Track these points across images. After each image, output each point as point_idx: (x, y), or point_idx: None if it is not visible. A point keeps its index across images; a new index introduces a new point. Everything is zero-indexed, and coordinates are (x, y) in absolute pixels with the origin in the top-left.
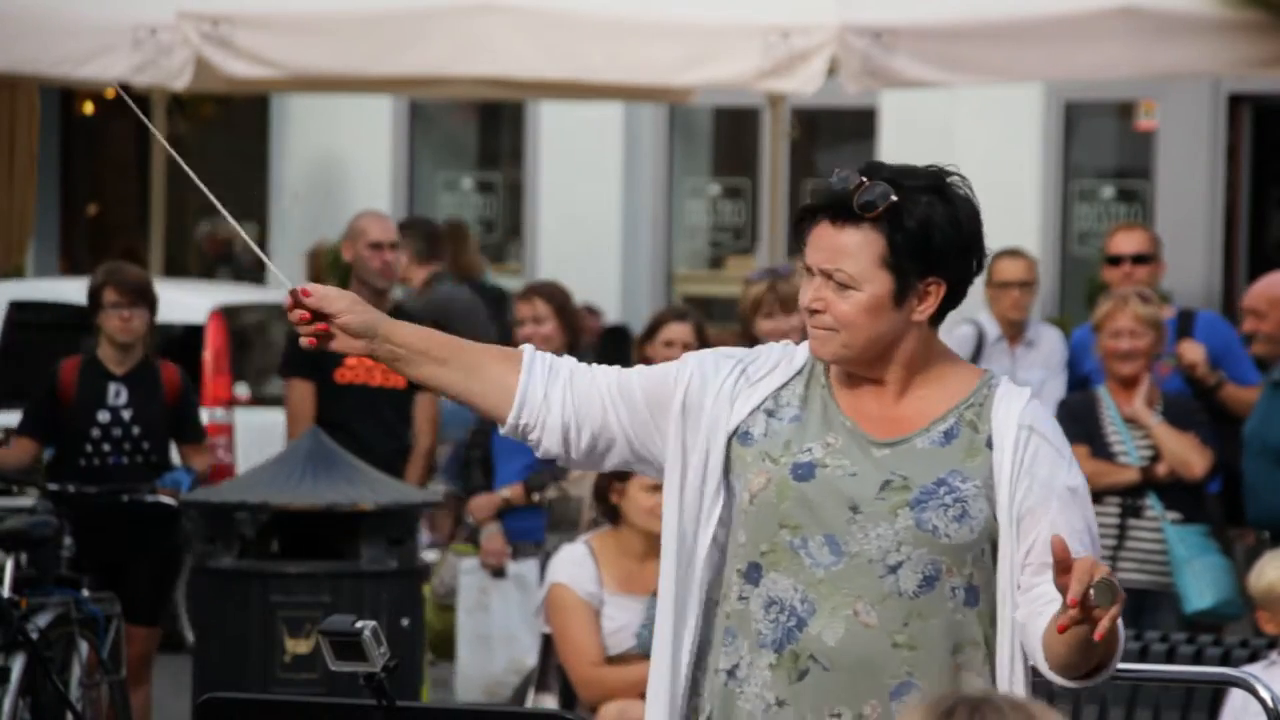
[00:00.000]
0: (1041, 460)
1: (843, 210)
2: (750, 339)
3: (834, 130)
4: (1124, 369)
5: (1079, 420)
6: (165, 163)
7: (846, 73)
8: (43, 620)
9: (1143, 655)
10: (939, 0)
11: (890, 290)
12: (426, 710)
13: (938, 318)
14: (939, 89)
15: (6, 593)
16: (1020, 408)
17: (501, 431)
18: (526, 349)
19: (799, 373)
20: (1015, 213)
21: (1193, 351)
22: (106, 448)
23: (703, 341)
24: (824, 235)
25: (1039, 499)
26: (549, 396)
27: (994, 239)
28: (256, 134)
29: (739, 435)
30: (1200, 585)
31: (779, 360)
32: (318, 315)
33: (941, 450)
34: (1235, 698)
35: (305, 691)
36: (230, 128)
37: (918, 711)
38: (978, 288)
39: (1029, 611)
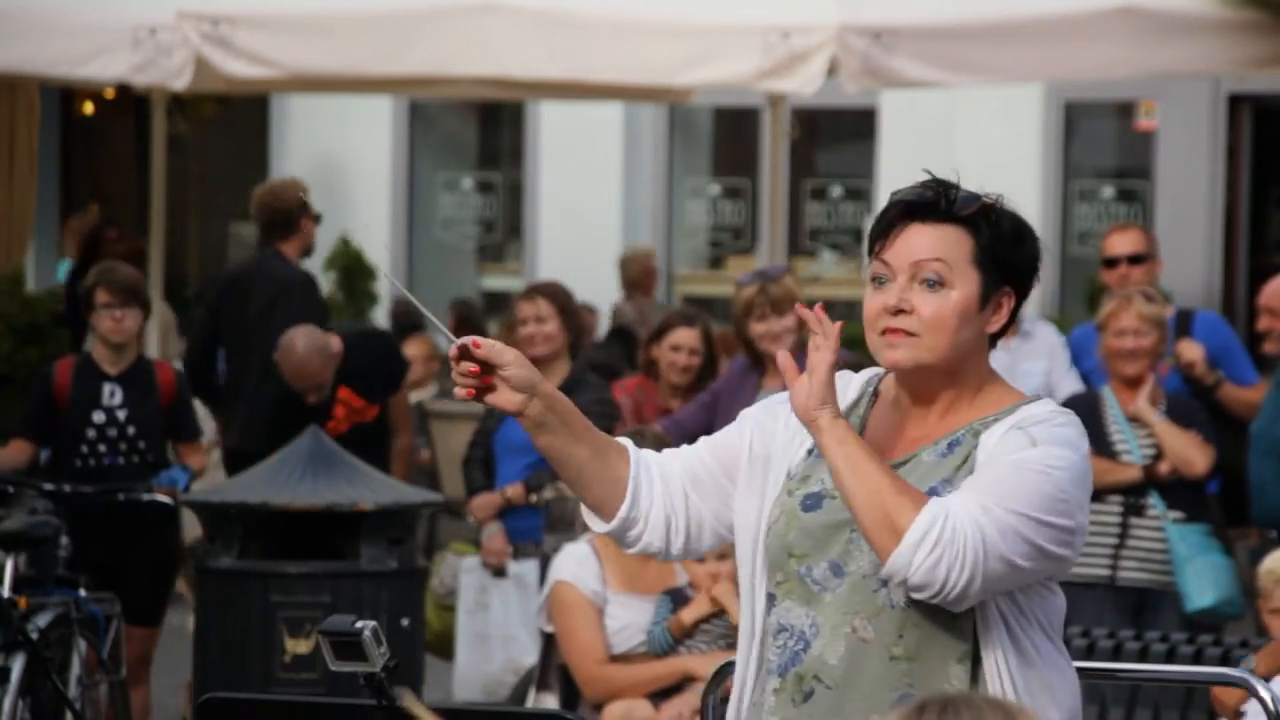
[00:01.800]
0: (1005, 445)
1: (934, 210)
2: (744, 340)
3: (834, 130)
4: (1128, 369)
5: (1082, 419)
6: (165, 163)
7: (846, 73)
8: (43, 620)
9: (1143, 655)
10: (939, 0)
11: (978, 292)
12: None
13: (994, 340)
14: (939, 89)
15: (6, 593)
16: (1023, 414)
17: (601, 529)
18: (627, 442)
19: (847, 407)
20: None
21: (1191, 351)
22: (102, 448)
23: (709, 347)
24: (916, 233)
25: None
26: (653, 490)
27: None
28: (256, 134)
29: (789, 477)
30: (1201, 584)
31: None
32: (485, 368)
33: (941, 461)
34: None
35: (305, 691)
36: (230, 128)
37: (892, 714)
38: None
39: None
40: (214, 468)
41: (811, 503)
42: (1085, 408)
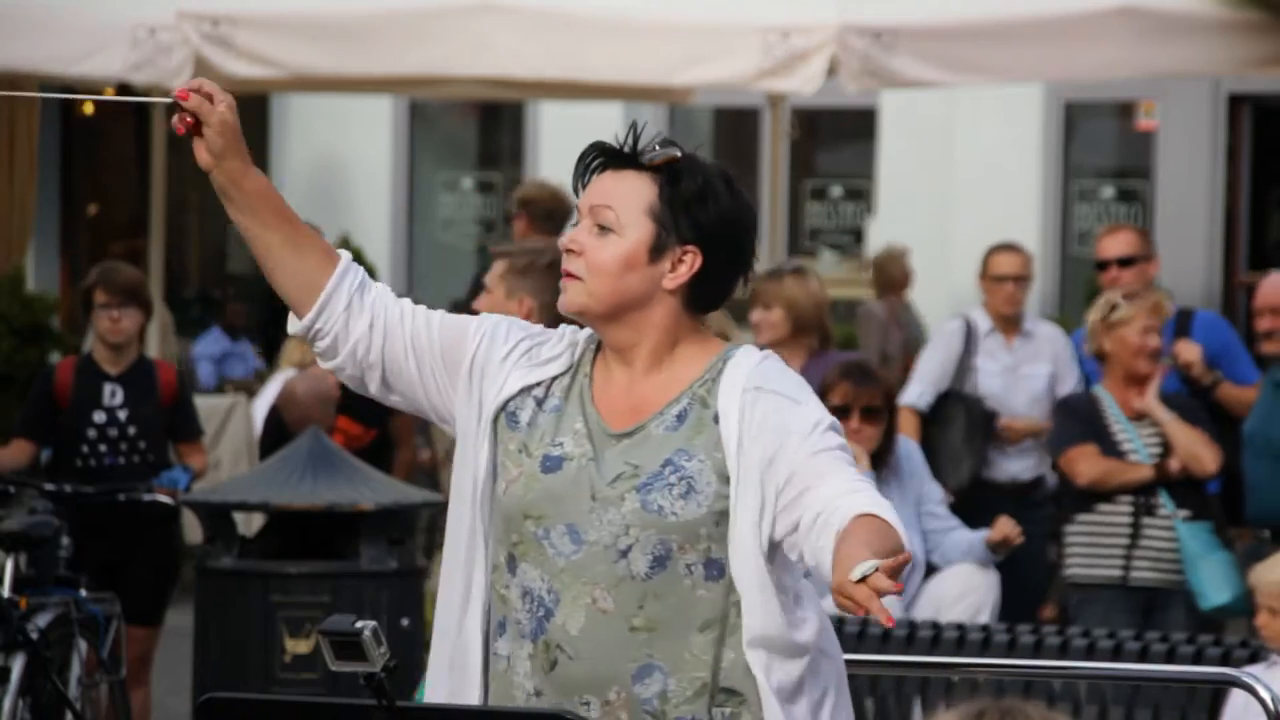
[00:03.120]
0: (771, 413)
1: (626, 159)
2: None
3: (834, 130)
4: (1147, 367)
5: (1083, 420)
6: (165, 163)
7: (846, 73)
8: (43, 620)
9: (1143, 655)
10: (939, 0)
11: (649, 242)
12: (426, 710)
13: (697, 305)
14: (939, 89)
15: (6, 593)
16: (746, 372)
17: (292, 328)
18: (345, 254)
19: (575, 363)
20: (1015, 213)
21: (1189, 351)
22: (103, 448)
23: None
24: (603, 180)
25: (777, 445)
26: (351, 309)
27: (994, 237)
28: (256, 134)
29: (507, 413)
30: (1217, 581)
31: (565, 348)
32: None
33: (673, 435)
34: (1235, 698)
35: (305, 691)
36: None
37: (949, 714)
38: (972, 281)
39: (819, 531)
40: (213, 468)
41: (551, 464)
42: (1084, 408)
